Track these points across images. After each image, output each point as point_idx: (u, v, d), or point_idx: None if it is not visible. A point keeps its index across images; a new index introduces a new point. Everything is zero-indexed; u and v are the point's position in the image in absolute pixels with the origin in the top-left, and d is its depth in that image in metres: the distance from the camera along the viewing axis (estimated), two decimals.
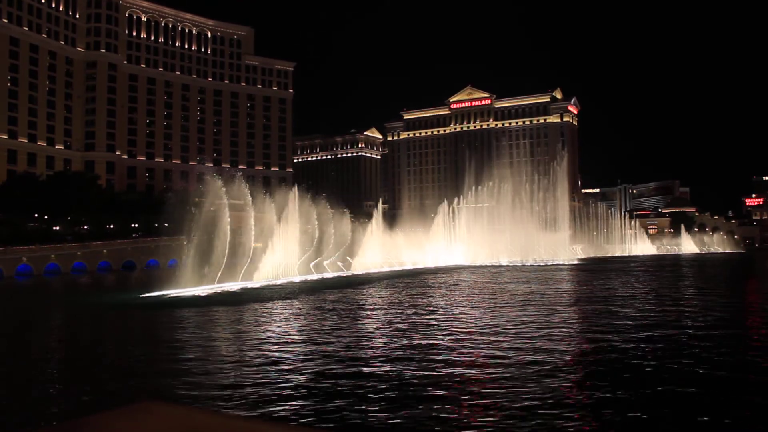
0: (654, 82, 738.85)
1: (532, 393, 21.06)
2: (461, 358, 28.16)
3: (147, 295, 61.47)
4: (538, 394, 20.98)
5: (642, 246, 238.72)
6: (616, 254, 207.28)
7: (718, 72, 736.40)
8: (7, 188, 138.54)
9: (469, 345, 31.43)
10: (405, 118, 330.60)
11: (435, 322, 39.80)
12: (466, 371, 25.23)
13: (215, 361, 28.24)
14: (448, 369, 25.61)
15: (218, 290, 66.61)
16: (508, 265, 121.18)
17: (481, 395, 21.24)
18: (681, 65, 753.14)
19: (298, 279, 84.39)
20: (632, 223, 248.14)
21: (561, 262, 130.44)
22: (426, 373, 24.73)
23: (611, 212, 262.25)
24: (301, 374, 24.93)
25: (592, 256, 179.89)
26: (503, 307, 48.09)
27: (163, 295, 61.67)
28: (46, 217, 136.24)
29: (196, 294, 62.48)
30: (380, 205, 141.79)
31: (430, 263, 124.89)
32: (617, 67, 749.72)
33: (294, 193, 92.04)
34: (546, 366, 25.59)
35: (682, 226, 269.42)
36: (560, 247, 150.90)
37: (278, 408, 19.99)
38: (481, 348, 30.51)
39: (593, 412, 19.33)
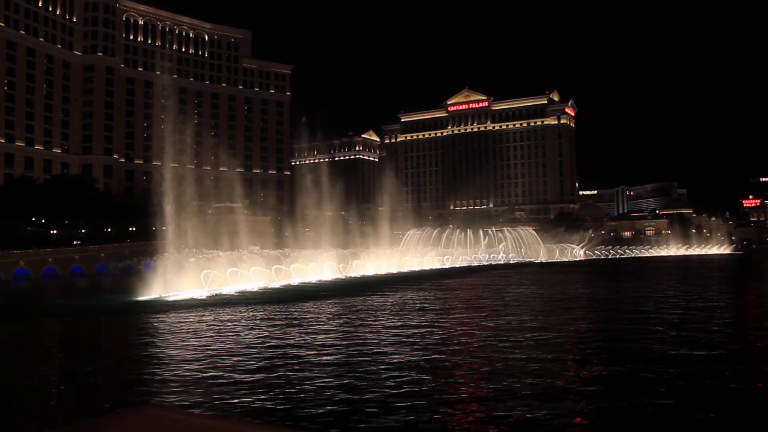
0: (652, 83, 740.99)
1: None
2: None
3: (142, 298, 61.35)
4: None
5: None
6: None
7: (715, 73, 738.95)
8: (5, 192, 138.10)
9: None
10: (402, 120, 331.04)
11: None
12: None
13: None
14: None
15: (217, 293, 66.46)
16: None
17: None
18: (679, 67, 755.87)
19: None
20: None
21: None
22: None
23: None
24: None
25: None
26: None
27: (159, 298, 61.55)
28: (43, 220, 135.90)
29: (193, 297, 62.29)
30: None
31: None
32: (615, 68, 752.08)
33: None
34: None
35: (680, 228, 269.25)
36: None
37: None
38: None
39: None
